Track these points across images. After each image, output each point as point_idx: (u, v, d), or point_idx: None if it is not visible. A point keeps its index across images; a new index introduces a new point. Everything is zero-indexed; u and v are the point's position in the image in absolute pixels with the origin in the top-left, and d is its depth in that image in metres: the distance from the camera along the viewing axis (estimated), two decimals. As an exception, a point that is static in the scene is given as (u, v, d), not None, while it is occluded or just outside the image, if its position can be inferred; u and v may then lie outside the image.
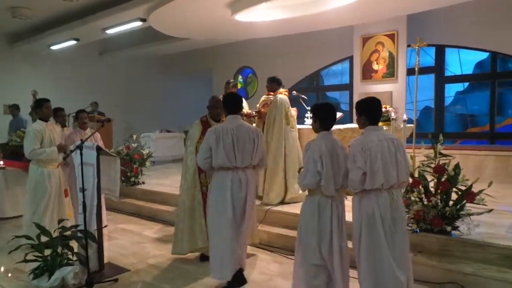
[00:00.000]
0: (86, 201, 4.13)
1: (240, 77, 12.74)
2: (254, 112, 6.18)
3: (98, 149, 4.29)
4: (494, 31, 7.95)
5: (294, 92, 6.48)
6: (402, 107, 8.29)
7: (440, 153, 4.29)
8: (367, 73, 8.94)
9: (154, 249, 5.33)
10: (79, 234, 4.13)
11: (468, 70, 8.96)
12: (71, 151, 4.20)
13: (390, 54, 8.54)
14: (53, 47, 11.20)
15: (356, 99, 8.25)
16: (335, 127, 6.23)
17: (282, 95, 5.93)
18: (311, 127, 3.61)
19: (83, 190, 4.13)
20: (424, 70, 8.55)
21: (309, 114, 6.50)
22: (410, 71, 8.27)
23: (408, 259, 3.24)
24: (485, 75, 8.73)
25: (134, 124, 11.71)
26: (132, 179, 7.87)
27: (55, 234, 4.15)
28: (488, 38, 8.06)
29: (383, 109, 6.33)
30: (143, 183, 8.04)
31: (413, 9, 7.79)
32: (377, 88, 8.68)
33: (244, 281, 4.08)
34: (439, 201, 4.15)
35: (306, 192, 3.43)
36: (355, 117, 3.34)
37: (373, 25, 8.63)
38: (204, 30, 9.40)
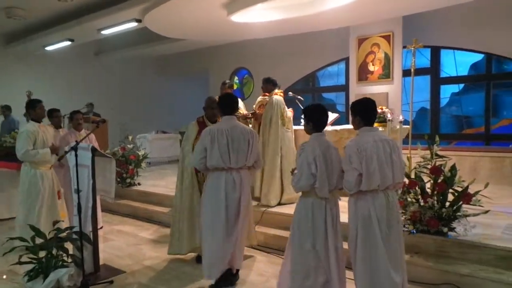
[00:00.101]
0: (81, 203, 4.11)
1: (236, 78, 12.74)
2: (250, 114, 6.18)
3: (93, 150, 4.26)
4: (489, 32, 7.98)
5: (290, 93, 6.48)
6: (398, 108, 8.30)
7: (437, 154, 4.29)
8: (363, 74, 8.95)
9: (150, 250, 5.31)
10: (74, 236, 4.10)
11: (463, 71, 8.99)
12: (66, 152, 4.17)
13: (386, 55, 8.56)
14: (48, 48, 11.14)
15: (352, 100, 8.24)
16: (331, 128, 6.30)
17: (278, 96, 5.93)
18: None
19: (78, 191, 4.11)
20: (419, 72, 8.56)
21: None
22: (406, 73, 8.29)
23: (403, 260, 3.24)
24: (480, 77, 8.76)
25: (130, 125, 11.66)
26: (128, 180, 7.84)
27: (49, 236, 4.11)
28: (483, 40, 8.10)
29: (379, 110, 6.38)
30: (139, 184, 8.02)
31: (408, 10, 7.81)
32: (373, 89, 8.70)
33: (232, 282, 4.09)
34: (435, 202, 4.15)
35: (300, 193, 3.44)
36: (351, 118, 3.33)
37: (369, 26, 8.65)
38: (200, 31, 9.38)
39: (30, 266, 4.01)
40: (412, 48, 6.05)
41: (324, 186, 3.22)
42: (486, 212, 4.18)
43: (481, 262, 3.93)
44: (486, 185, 4.19)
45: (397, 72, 8.51)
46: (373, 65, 8.78)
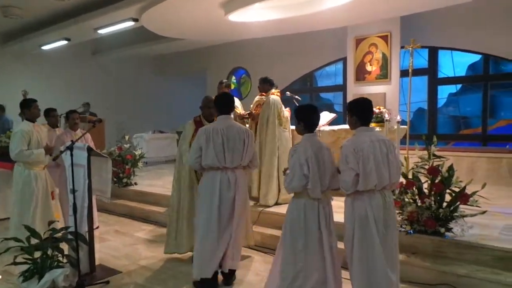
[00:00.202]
0: (76, 203, 4.08)
1: (233, 77, 12.72)
2: (246, 114, 6.16)
3: (89, 150, 4.24)
4: (487, 33, 7.98)
5: (287, 92, 6.46)
6: (396, 108, 8.29)
7: (434, 155, 4.29)
8: (361, 74, 8.94)
9: (146, 250, 5.29)
10: (69, 236, 4.08)
11: (461, 72, 9.00)
12: (61, 152, 4.14)
13: (384, 56, 8.55)
14: (44, 47, 11.08)
15: (349, 100, 8.26)
16: (329, 128, 6.29)
17: (275, 95, 5.92)
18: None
19: (73, 191, 4.08)
20: (417, 72, 8.56)
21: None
22: (404, 73, 8.30)
23: (398, 260, 3.26)
24: (478, 77, 8.76)
25: (127, 125, 11.63)
26: (124, 180, 7.82)
27: (44, 236, 4.08)
28: (481, 40, 8.10)
29: (377, 110, 6.38)
30: (136, 184, 7.99)
31: (406, 10, 7.80)
32: (371, 90, 8.69)
33: (229, 282, 4.11)
34: (432, 202, 4.15)
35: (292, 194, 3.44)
36: (347, 118, 3.33)
37: (367, 27, 8.64)
38: (197, 30, 9.35)
39: (25, 267, 3.99)
40: (410, 49, 6.05)
41: (317, 187, 3.22)
42: (484, 212, 4.17)
43: (478, 263, 3.93)
44: (484, 186, 4.18)
45: (394, 72, 8.50)
46: (370, 65, 8.77)
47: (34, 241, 4.05)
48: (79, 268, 3.98)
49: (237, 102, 6.37)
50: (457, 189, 4.15)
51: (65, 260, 4.11)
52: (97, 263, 4.54)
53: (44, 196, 5.20)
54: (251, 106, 6.19)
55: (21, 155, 4.97)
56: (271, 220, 5.41)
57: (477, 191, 4.15)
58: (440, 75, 9.09)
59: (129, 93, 13.96)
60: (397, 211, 4.28)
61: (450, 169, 4.18)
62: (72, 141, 4.11)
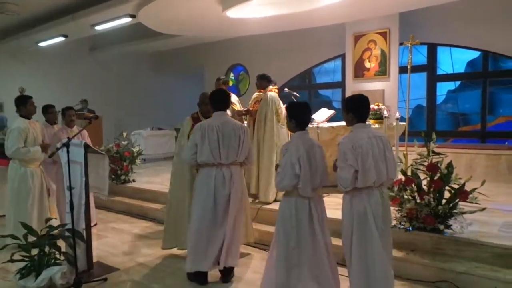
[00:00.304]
0: (73, 200, 4.06)
1: (232, 74, 12.69)
2: (244, 111, 6.14)
3: (86, 146, 4.21)
4: (486, 30, 7.96)
5: (286, 89, 6.43)
6: (394, 105, 8.28)
7: (433, 152, 4.27)
8: (359, 71, 8.92)
9: (144, 247, 5.27)
10: (66, 233, 4.05)
11: (460, 68, 8.97)
12: (57, 149, 4.11)
13: (382, 52, 8.53)
14: (41, 44, 11.03)
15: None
16: (327, 125, 6.27)
17: (272, 92, 5.90)
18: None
19: (70, 188, 4.05)
20: (416, 69, 8.54)
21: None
22: (402, 69, 8.28)
23: (392, 255, 3.30)
24: (477, 74, 8.74)
25: (125, 122, 11.61)
26: (122, 177, 7.80)
27: (41, 234, 4.06)
28: (480, 37, 8.08)
29: (376, 107, 6.36)
30: (134, 181, 7.97)
31: (405, 7, 7.77)
32: (369, 86, 8.67)
33: (227, 279, 4.09)
34: (432, 199, 4.13)
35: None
36: (343, 115, 3.32)
37: (365, 23, 8.61)
38: (195, 26, 9.30)
39: (22, 264, 3.97)
40: (409, 45, 6.02)
41: (307, 186, 3.23)
42: (483, 209, 4.16)
43: (478, 260, 3.91)
44: (483, 183, 4.16)
45: (393, 69, 8.48)
46: (369, 62, 8.75)
47: (31, 238, 4.03)
48: (77, 266, 3.95)
49: (235, 99, 6.35)
50: (456, 186, 4.14)
51: (62, 258, 4.11)
52: (94, 260, 4.53)
53: (40, 194, 5.17)
54: (250, 103, 6.16)
55: (17, 152, 4.93)
56: (269, 217, 5.38)
57: (477, 188, 4.13)
58: (439, 71, 9.06)
59: (127, 89, 13.93)
60: (396, 208, 4.27)
61: (449, 166, 4.17)
62: (68, 138, 4.09)
